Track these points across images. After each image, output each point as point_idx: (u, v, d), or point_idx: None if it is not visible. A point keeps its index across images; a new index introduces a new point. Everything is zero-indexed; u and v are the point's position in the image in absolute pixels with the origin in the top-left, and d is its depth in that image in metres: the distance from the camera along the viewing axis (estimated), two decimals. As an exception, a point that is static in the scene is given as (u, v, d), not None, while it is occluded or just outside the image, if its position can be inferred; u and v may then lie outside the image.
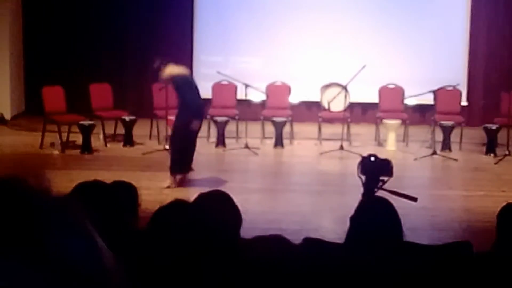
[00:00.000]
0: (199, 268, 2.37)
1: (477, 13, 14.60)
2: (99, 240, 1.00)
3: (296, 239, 3.72)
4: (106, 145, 12.25)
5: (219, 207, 3.42)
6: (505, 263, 3.05)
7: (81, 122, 11.73)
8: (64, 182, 8.20)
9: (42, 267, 0.91)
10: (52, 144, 11.86)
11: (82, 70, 14.28)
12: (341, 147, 11.73)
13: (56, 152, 11.67)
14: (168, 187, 9.26)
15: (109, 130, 12.57)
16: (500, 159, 11.28)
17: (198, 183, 9.30)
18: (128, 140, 12.28)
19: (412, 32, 14.50)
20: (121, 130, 12.46)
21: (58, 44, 14.76)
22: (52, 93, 12.20)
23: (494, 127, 11.96)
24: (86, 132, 11.68)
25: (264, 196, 9.13)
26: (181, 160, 9.41)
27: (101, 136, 12.36)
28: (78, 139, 11.88)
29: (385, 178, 4.14)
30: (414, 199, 4.27)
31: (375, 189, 4.12)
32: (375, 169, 4.24)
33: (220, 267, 2.35)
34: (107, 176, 7.93)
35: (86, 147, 11.65)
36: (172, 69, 9.78)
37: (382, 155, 4.66)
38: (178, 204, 2.90)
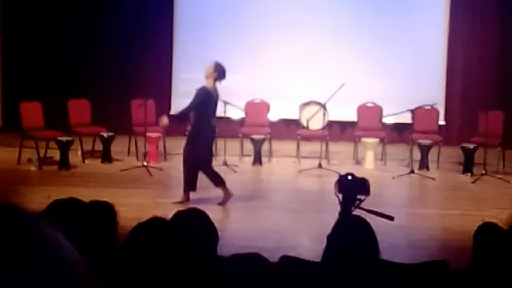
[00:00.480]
0: (175, 286, 2.36)
1: (454, 33, 14.74)
2: (73, 251, 1.05)
3: (274, 257, 3.72)
4: (84, 162, 12.19)
5: (195, 225, 3.42)
6: (480, 282, 3.07)
7: (59, 138, 11.68)
8: (41, 198, 8.17)
9: (22, 278, 0.95)
10: (30, 160, 11.80)
11: (60, 86, 14.25)
12: (320, 165, 11.76)
13: (33, 168, 11.61)
14: (181, 202, 9.22)
15: (87, 146, 12.53)
16: (477, 178, 11.36)
17: (177, 200, 9.28)
18: (106, 157, 12.24)
19: (391, 52, 14.60)
20: (99, 147, 12.42)
21: (36, 60, 14.73)
22: (30, 108, 12.14)
23: (471, 146, 12.05)
24: (64, 148, 11.62)
25: (242, 213, 9.12)
26: (193, 179, 9.44)
27: (79, 152, 12.31)
28: (56, 155, 11.82)
29: (362, 197, 4.15)
30: (390, 218, 4.28)
31: (352, 208, 4.13)
32: (352, 188, 4.25)
33: (196, 284, 2.34)
34: (85, 193, 7.92)
35: (64, 163, 11.59)
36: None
37: (360, 174, 4.67)
38: (156, 221, 2.90)
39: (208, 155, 9.60)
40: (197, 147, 9.37)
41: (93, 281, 1.06)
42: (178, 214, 3.64)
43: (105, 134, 12.32)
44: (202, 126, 9.42)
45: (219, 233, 4.21)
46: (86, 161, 12.22)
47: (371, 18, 14.70)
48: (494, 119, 12.15)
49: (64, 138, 11.70)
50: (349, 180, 4.32)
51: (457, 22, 14.77)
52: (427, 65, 14.65)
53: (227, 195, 9.45)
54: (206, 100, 9.49)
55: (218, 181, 9.51)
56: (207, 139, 9.52)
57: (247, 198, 10.08)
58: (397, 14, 14.74)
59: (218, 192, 10.40)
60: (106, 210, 3.83)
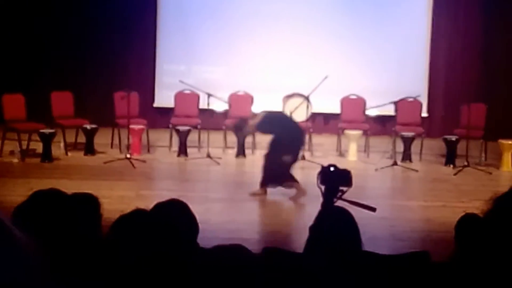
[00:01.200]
0: (155, 277, 2.37)
1: (437, 26, 14.79)
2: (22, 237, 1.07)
3: (257, 248, 3.73)
4: (66, 154, 12.15)
5: (175, 216, 3.42)
6: (462, 273, 3.09)
7: (42, 131, 11.63)
8: (23, 190, 8.14)
9: None
10: (12, 152, 11.74)
11: (43, 78, 14.18)
12: (303, 157, 11.77)
13: (15, 160, 11.54)
14: (254, 194, 9.52)
15: (70, 138, 12.48)
16: (459, 170, 11.42)
17: (160, 192, 9.26)
18: (89, 149, 12.20)
19: (374, 44, 14.63)
20: (82, 139, 12.38)
21: (18, 51, 14.65)
22: (12, 100, 12.07)
23: (453, 138, 12.10)
24: (47, 140, 11.57)
25: (225, 205, 9.13)
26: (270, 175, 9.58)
27: (62, 144, 12.27)
28: (39, 147, 11.78)
29: (345, 188, 4.16)
30: (373, 209, 4.29)
31: (334, 199, 4.13)
32: (334, 179, 4.25)
33: (178, 275, 2.35)
34: (68, 185, 7.90)
35: (47, 156, 11.54)
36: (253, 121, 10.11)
37: (343, 166, 4.68)
38: (138, 212, 2.90)
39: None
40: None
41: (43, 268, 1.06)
42: (157, 206, 3.64)
43: (88, 126, 12.27)
44: None
45: (203, 225, 4.21)
46: (69, 154, 12.18)
47: (354, 11, 14.72)
48: (477, 111, 12.22)
49: (46, 130, 11.64)
50: (332, 171, 4.32)
51: (440, 15, 14.81)
52: (410, 57, 14.70)
53: (300, 190, 9.44)
54: None
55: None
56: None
57: (231, 190, 10.09)
58: (380, 6, 14.76)
59: (202, 184, 10.41)
60: (90, 202, 3.82)
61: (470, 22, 14.86)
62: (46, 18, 14.62)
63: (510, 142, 11.89)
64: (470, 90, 14.30)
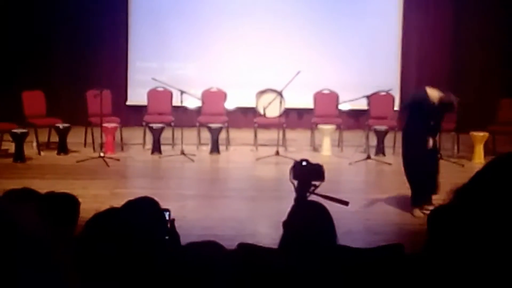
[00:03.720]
0: (126, 274, 2.37)
1: (408, 19, 14.87)
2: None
3: (232, 245, 3.73)
4: (39, 153, 12.07)
5: (145, 213, 3.42)
6: (434, 265, 3.12)
7: (14, 130, 11.54)
8: (-4, 191, 8.07)
9: None
10: (-16, 153, 11.65)
11: (14, 77, 14.06)
12: (277, 153, 11.81)
13: (-12, 161, 11.46)
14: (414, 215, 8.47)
15: (43, 138, 12.40)
16: (432, 163, 11.48)
17: (134, 191, 9.23)
18: (62, 148, 12.13)
19: (346, 38, 14.69)
20: (55, 138, 12.30)
21: (-11, 51, 14.52)
22: (-17, 101, 11.97)
23: (426, 131, 12.17)
24: (19, 140, 11.48)
25: (200, 202, 9.12)
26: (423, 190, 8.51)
27: (35, 144, 12.18)
28: (11, 147, 11.69)
29: (317, 183, 4.19)
30: (345, 203, 4.32)
31: (307, 194, 4.16)
32: (307, 174, 4.28)
33: (150, 272, 2.35)
34: (41, 185, 7.84)
35: (19, 156, 11.45)
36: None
37: (317, 160, 4.71)
38: (111, 211, 2.90)
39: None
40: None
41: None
42: (128, 203, 3.64)
43: (60, 125, 12.20)
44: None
45: (177, 222, 4.22)
46: (42, 153, 12.10)
47: (326, 6, 14.77)
48: (448, 104, 12.29)
49: (18, 130, 11.56)
50: (304, 166, 4.34)
51: (411, 9, 14.90)
52: (382, 51, 14.78)
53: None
54: None
55: None
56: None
57: (205, 186, 10.09)
58: (352, 1, 14.82)
59: (176, 181, 10.40)
60: (68, 202, 3.82)
61: (441, 15, 14.97)
62: (16, 17, 14.50)
63: (481, 134, 12.00)
64: (442, 83, 14.34)
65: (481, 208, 1.24)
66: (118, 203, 3.26)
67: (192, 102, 12.79)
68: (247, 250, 3.77)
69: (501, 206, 1.22)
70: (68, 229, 3.64)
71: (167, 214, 3.78)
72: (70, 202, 3.94)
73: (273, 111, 12.14)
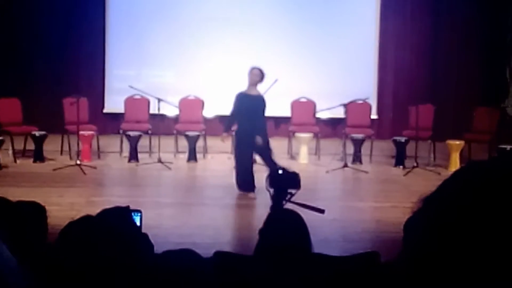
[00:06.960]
0: (100, 283, 2.37)
1: (385, 28, 14.97)
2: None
3: (209, 253, 3.73)
4: (15, 161, 11.99)
5: (118, 222, 3.41)
6: (408, 271, 3.14)
7: (-11, 138, 11.46)
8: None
9: None
10: (-41, 161, 11.55)
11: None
12: (254, 161, 11.79)
13: (-37, 168, 11.36)
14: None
15: (19, 146, 12.32)
16: (409, 171, 11.56)
17: (111, 199, 9.20)
18: (39, 156, 12.06)
19: (323, 47, 14.75)
20: (31, 146, 12.23)
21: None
22: (-41, 108, 11.88)
23: (402, 139, 12.26)
24: (-5, 148, 11.41)
25: (177, 210, 9.10)
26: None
27: (10, 152, 12.10)
28: (-14, 155, 11.60)
29: (293, 191, 4.20)
30: (321, 211, 4.34)
31: (283, 202, 4.17)
32: (283, 182, 4.29)
33: (125, 281, 2.35)
34: (17, 193, 7.79)
35: (-5, 163, 11.38)
36: None
37: (294, 168, 4.73)
38: (86, 219, 2.89)
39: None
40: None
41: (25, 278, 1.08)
42: (102, 212, 3.63)
43: (37, 133, 12.13)
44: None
45: (154, 230, 4.21)
46: (18, 161, 12.02)
47: (302, 14, 14.82)
48: (425, 112, 12.40)
49: (-6, 138, 11.49)
50: (280, 174, 4.36)
51: (388, 18, 15.00)
52: (359, 60, 14.85)
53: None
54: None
55: None
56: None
57: (182, 194, 10.07)
58: (328, 9, 14.89)
59: (153, 189, 10.37)
60: (36, 210, 3.79)
61: (418, 24, 15.08)
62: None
63: (457, 142, 12.08)
64: (418, 91, 14.49)
65: (444, 216, 1.26)
66: (94, 211, 3.25)
67: (169, 110, 12.78)
68: (224, 258, 3.77)
69: (461, 214, 1.25)
70: (37, 238, 3.62)
71: (138, 215, 3.76)
72: (36, 210, 3.91)
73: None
